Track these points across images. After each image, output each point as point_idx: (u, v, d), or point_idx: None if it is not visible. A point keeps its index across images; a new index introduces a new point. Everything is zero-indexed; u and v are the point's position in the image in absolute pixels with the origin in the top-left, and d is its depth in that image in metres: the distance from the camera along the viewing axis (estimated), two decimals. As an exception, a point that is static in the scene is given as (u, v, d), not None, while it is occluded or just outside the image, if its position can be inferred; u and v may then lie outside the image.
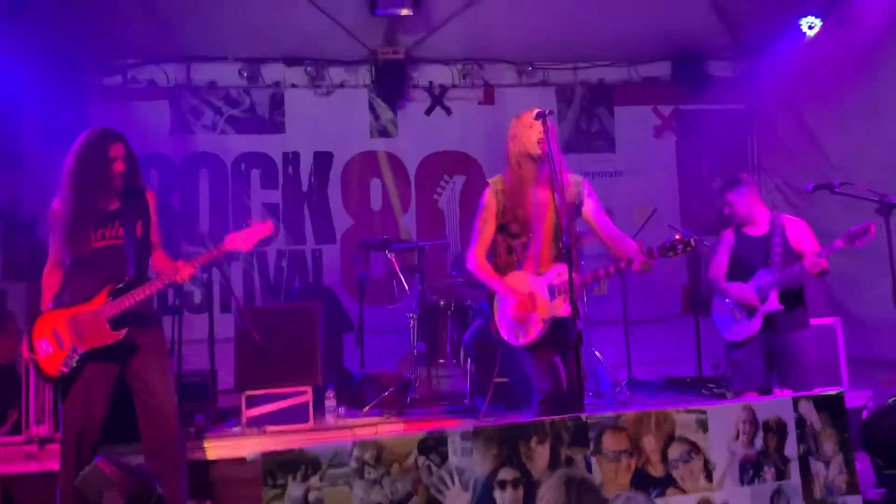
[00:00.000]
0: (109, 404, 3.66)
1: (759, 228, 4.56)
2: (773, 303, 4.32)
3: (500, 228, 3.80)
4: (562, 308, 3.58)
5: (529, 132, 3.70)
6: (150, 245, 3.83)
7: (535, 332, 3.64)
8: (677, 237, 3.38)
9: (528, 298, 3.65)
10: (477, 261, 3.81)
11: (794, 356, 4.37)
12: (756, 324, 4.39)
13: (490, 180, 3.87)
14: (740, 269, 4.51)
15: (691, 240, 3.35)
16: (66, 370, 3.56)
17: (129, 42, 6.65)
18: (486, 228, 3.82)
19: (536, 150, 3.67)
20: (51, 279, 3.76)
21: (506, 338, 3.74)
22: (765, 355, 4.42)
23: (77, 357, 3.56)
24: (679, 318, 7.16)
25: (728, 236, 4.66)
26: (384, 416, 5.08)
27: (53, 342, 3.58)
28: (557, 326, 3.61)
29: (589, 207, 3.86)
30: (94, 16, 6.15)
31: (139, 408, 3.68)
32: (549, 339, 3.65)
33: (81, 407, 3.58)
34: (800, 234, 4.46)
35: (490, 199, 3.81)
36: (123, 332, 3.57)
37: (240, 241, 3.67)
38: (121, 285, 3.60)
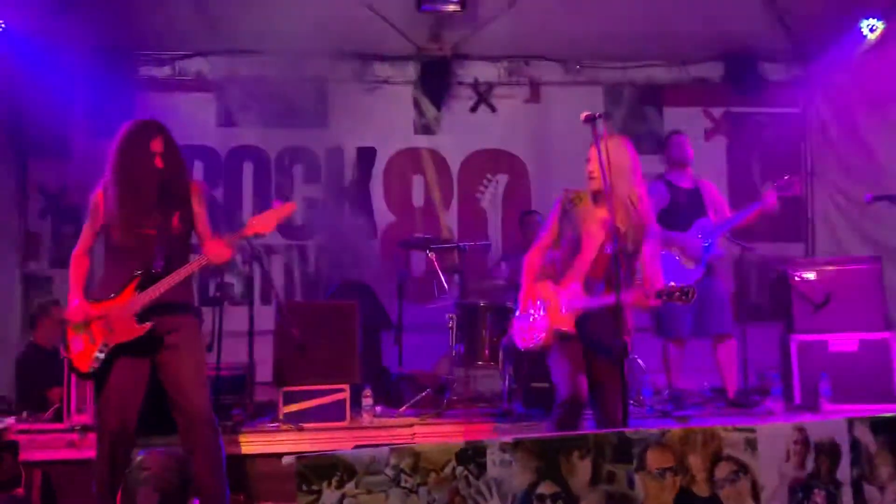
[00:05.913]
0: (142, 400, 3.64)
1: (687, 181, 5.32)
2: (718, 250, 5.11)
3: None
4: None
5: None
6: (187, 238, 3.77)
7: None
8: (676, 285, 3.37)
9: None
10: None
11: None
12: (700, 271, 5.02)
13: None
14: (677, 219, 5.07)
15: (690, 291, 3.32)
16: (96, 366, 3.55)
17: (178, 34, 6.71)
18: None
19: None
20: (78, 266, 3.74)
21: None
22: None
23: (106, 352, 3.54)
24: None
25: (660, 187, 5.23)
26: (421, 416, 5.04)
27: (85, 338, 3.57)
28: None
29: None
30: (145, 7, 6.21)
31: (171, 405, 3.66)
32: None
33: (114, 405, 3.57)
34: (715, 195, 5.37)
35: None
36: (148, 325, 3.53)
37: (262, 223, 3.65)
38: (146, 278, 3.57)
